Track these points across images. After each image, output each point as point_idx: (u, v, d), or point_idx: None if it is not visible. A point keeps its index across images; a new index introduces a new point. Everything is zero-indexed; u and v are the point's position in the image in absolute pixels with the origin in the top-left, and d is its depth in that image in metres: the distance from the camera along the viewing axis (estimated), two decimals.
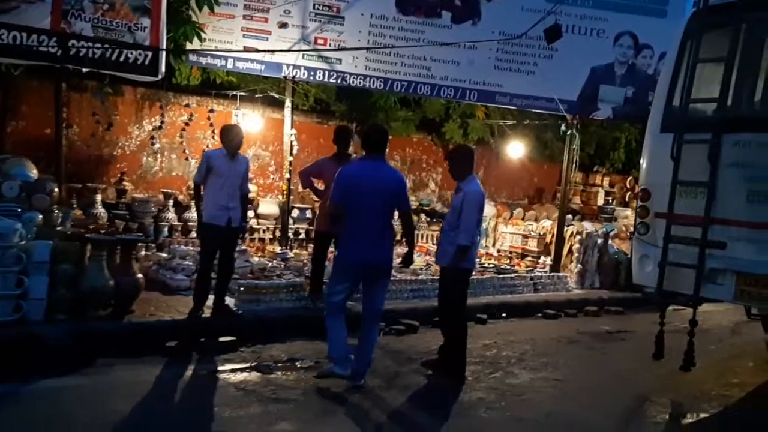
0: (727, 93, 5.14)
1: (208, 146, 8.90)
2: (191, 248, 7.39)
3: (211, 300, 5.71)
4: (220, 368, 4.80)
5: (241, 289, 6.01)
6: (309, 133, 10.03)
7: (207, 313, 5.64)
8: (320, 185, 6.52)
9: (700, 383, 5.40)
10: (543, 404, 4.63)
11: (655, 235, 5.58)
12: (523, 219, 11.18)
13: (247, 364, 4.91)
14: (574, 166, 9.24)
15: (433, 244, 10.83)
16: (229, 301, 5.97)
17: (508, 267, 8.82)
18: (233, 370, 4.77)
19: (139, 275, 5.46)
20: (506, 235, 10.39)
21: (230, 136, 5.59)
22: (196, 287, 5.64)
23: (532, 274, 8.55)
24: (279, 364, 4.99)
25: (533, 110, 9.25)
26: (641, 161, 5.99)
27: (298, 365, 5.02)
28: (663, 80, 5.78)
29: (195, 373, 4.68)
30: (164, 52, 7.54)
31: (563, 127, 9.14)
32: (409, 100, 10.53)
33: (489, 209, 11.36)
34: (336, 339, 4.62)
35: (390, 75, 8.57)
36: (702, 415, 4.72)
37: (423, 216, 11.17)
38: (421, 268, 8.07)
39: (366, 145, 4.69)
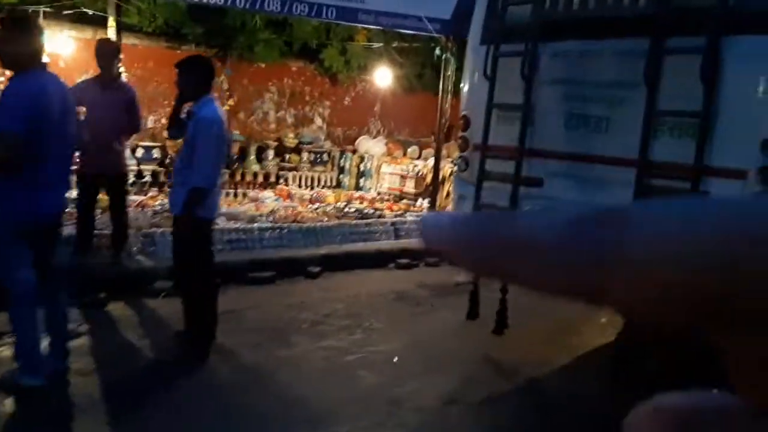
0: None
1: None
2: None
3: None
4: None
5: None
6: (158, 59, 8.73)
7: None
8: (82, 115, 5.35)
9: (519, 349, 4.49)
10: (290, 385, 3.69)
11: (473, 172, 4.61)
12: (419, 158, 10.14)
13: None
14: (448, 95, 8.14)
15: (308, 187, 9.79)
16: None
17: (372, 211, 7.82)
18: None
19: None
20: (386, 176, 9.37)
21: None
22: None
23: (395, 219, 7.58)
24: None
25: (409, 32, 8.12)
26: (462, 83, 4.96)
27: None
28: None
29: None
30: None
31: (437, 51, 8.01)
32: (281, 22, 9.27)
33: (379, 147, 10.32)
34: (33, 337, 3.27)
35: None
36: (475, 398, 3.79)
37: (305, 155, 10.07)
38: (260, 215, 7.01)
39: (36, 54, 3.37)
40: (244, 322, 4.58)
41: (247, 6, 7.44)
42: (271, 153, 9.71)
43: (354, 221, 7.21)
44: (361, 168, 10.00)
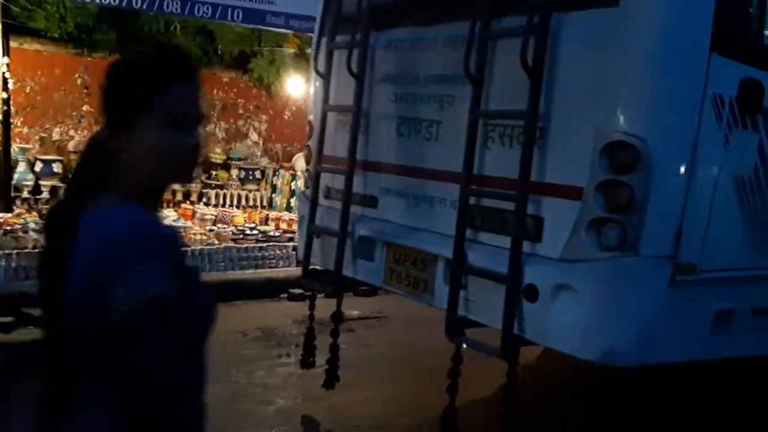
0: None
1: None
2: None
3: None
4: None
5: None
6: (65, 66, 8.09)
7: None
8: None
9: (348, 409, 3.64)
10: None
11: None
12: None
13: None
14: None
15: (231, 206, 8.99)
16: None
17: (279, 234, 7.05)
18: None
19: None
20: None
21: None
22: None
23: (296, 244, 6.81)
24: None
25: None
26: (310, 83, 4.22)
27: None
28: None
29: None
30: None
31: None
32: (206, 29, 8.63)
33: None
34: None
35: None
36: None
37: (235, 172, 9.36)
38: None
39: None
40: None
41: (145, 7, 6.85)
42: None
43: (246, 245, 6.43)
44: (293, 187, 9.26)
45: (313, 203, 3.63)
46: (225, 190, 9.14)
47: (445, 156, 2.98)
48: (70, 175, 8.03)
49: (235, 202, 9.12)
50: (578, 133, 2.50)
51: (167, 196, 8.72)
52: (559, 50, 2.54)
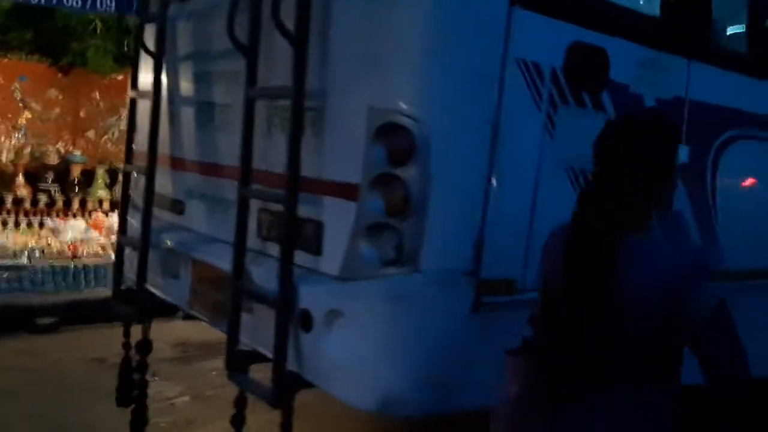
0: None
1: None
2: None
3: None
4: None
5: None
6: None
7: None
8: None
9: None
10: None
11: (138, 192, 3.28)
12: None
13: None
14: None
15: None
16: None
17: None
18: None
19: None
20: None
21: None
22: None
23: None
24: None
25: None
26: None
27: None
28: None
29: None
30: None
31: None
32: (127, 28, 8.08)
33: None
34: None
35: None
36: None
37: None
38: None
39: None
40: None
41: (43, 2, 6.35)
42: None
43: None
44: None
45: (123, 210, 3.07)
46: None
47: (236, 148, 2.42)
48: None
49: None
50: (352, 114, 1.93)
51: (93, 205, 8.22)
52: (331, 10, 1.99)
